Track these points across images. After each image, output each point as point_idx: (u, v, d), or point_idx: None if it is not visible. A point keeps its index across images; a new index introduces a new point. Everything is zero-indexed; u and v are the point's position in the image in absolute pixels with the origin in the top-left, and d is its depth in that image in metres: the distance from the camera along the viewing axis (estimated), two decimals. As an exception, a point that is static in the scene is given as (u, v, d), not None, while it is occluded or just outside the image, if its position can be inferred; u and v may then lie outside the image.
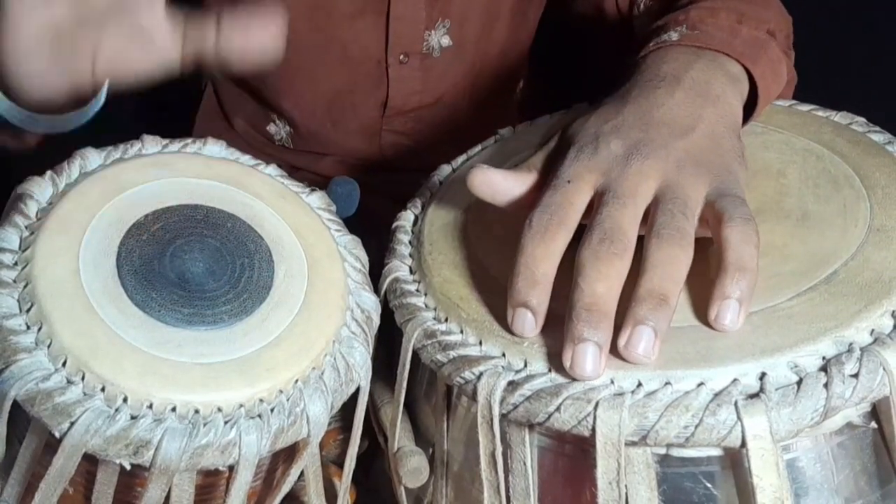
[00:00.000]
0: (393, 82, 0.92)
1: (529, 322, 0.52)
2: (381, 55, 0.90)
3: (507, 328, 0.53)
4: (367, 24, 0.89)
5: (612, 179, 0.54)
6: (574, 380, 0.49)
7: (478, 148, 0.71)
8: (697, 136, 0.56)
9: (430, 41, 0.90)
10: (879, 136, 0.63)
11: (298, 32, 0.89)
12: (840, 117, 0.65)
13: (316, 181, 0.93)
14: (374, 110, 0.94)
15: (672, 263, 0.50)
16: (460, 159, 0.70)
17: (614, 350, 0.49)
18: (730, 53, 0.62)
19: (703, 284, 0.53)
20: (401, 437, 0.60)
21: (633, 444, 0.48)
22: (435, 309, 0.57)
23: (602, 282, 0.50)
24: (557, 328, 0.51)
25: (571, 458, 0.52)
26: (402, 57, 0.90)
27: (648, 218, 0.53)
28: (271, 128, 0.98)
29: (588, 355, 0.49)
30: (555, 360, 0.51)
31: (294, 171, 0.97)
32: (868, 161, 0.60)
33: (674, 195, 0.53)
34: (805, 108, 0.67)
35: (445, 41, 0.91)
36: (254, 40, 0.58)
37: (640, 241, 0.52)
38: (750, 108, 0.63)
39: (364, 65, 0.91)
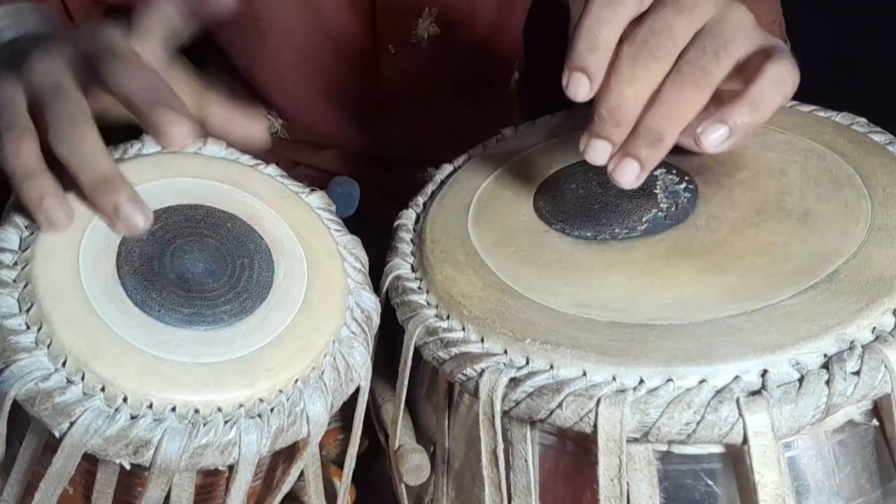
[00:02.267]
0: (385, 73, 0.92)
1: (584, 87, 0.52)
2: (371, 47, 0.91)
3: (510, 325, 0.53)
4: (355, 16, 0.89)
5: None
6: None
7: (479, 147, 0.71)
8: None
9: (418, 30, 0.90)
10: (880, 137, 0.63)
11: (289, 26, 0.89)
12: (841, 118, 0.65)
13: (316, 175, 0.93)
14: (368, 101, 0.94)
15: (679, 103, 0.51)
16: (461, 158, 0.70)
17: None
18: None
19: (706, 281, 0.53)
20: (402, 434, 0.60)
21: (635, 440, 0.48)
22: (437, 306, 0.57)
23: (632, 86, 0.51)
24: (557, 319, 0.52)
25: (573, 455, 0.52)
26: (391, 47, 0.91)
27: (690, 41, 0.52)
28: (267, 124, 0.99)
29: (600, 150, 0.52)
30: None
31: (294, 166, 0.98)
32: (869, 161, 0.60)
33: (720, 30, 0.52)
34: (806, 108, 0.67)
35: (433, 29, 0.91)
36: (238, 131, 0.60)
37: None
38: None
39: (355, 56, 0.91)
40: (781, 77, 0.51)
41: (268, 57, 0.94)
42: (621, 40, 0.52)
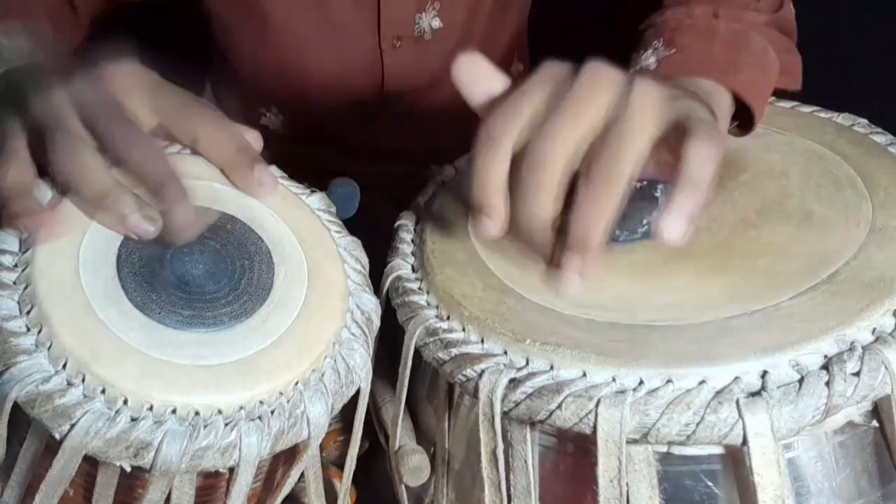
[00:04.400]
0: (388, 67, 0.92)
1: (491, 226, 0.53)
2: (374, 40, 0.91)
3: (510, 326, 0.53)
4: (358, 10, 0.89)
5: (565, 87, 0.53)
6: None
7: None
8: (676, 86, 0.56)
9: (421, 24, 0.91)
10: (881, 138, 0.63)
11: (292, 21, 0.90)
12: (842, 119, 0.65)
13: (317, 171, 0.93)
14: (371, 96, 0.94)
15: (596, 205, 0.51)
16: (463, 159, 0.70)
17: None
18: (709, 75, 0.63)
19: (706, 283, 0.53)
20: (402, 435, 0.60)
21: (635, 441, 0.48)
22: (437, 307, 0.57)
23: (539, 210, 0.52)
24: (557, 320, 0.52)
25: (573, 456, 0.52)
26: (395, 41, 0.91)
27: (591, 144, 0.52)
28: (264, 120, 0.99)
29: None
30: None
31: (295, 161, 0.98)
32: (870, 162, 0.60)
33: (620, 125, 0.51)
34: (807, 109, 0.67)
35: (436, 23, 0.91)
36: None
37: None
38: (747, 112, 0.64)
39: (358, 51, 0.91)
40: (706, 150, 0.51)
41: (270, 52, 0.94)
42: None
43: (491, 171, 0.53)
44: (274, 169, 0.63)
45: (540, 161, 0.52)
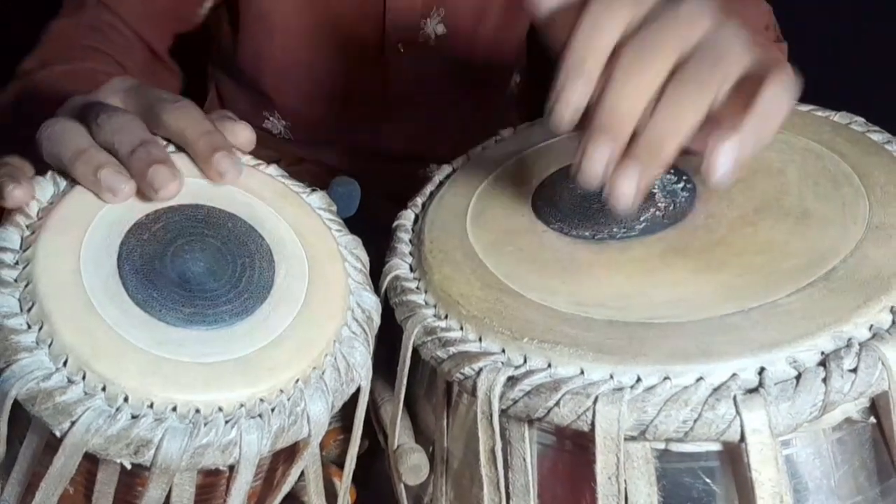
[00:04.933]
0: (392, 71, 0.92)
1: (568, 115, 0.51)
2: (378, 45, 0.91)
3: (508, 324, 0.53)
4: (364, 15, 0.90)
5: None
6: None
7: (478, 148, 0.71)
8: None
9: (425, 29, 0.91)
10: (878, 136, 0.63)
11: (297, 25, 0.90)
12: (839, 117, 0.65)
13: (320, 172, 0.94)
14: (374, 99, 0.95)
15: (678, 114, 0.49)
16: (460, 159, 0.70)
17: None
18: None
19: (704, 280, 0.53)
20: (401, 434, 0.60)
21: (633, 438, 0.48)
22: (435, 306, 0.57)
23: (627, 100, 0.49)
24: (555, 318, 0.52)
25: (571, 454, 0.52)
26: (399, 46, 0.91)
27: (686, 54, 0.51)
28: (267, 124, 0.99)
29: (596, 165, 0.50)
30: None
31: (298, 163, 0.98)
32: (867, 160, 0.60)
33: (715, 45, 0.51)
34: (804, 108, 0.67)
35: (440, 29, 0.91)
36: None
37: None
38: None
39: (362, 55, 0.92)
40: (781, 92, 0.50)
41: (275, 56, 0.94)
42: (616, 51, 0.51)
43: (593, 54, 0.50)
44: (275, 168, 0.63)
45: (658, 42, 0.50)
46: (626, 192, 0.50)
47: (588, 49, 0.50)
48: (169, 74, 0.92)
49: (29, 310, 0.50)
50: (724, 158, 0.49)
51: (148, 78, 0.84)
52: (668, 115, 0.49)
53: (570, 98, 0.50)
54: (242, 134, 0.60)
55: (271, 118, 0.99)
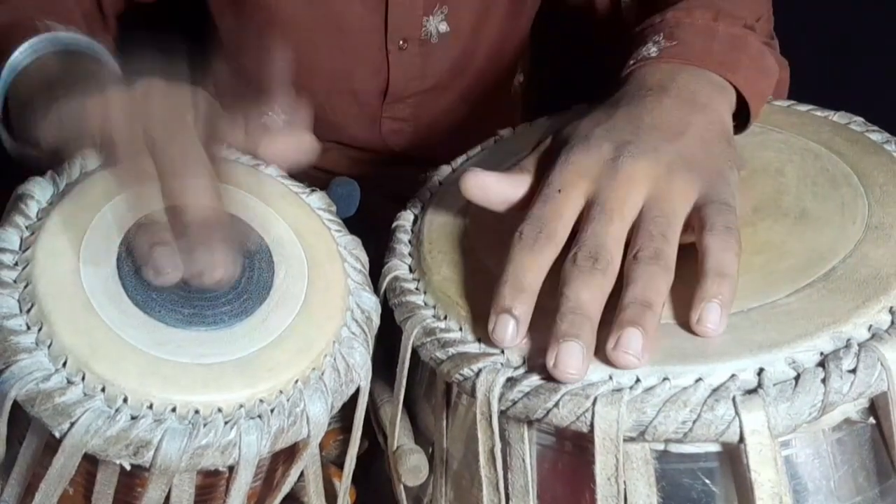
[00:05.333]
0: (393, 68, 0.92)
1: (511, 329, 0.52)
2: (380, 41, 0.91)
3: None
4: (366, 11, 0.89)
5: (602, 188, 0.54)
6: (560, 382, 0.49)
7: (477, 149, 0.71)
8: (688, 140, 0.57)
9: (428, 27, 0.91)
10: (877, 136, 0.63)
11: (299, 22, 0.90)
12: (838, 117, 0.65)
13: (317, 173, 0.93)
14: (374, 97, 0.95)
15: (651, 279, 0.51)
16: (460, 160, 0.70)
17: (603, 355, 0.50)
18: (709, 67, 0.63)
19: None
20: (400, 435, 0.60)
21: (632, 439, 0.48)
22: (434, 307, 0.57)
23: (586, 291, 0.51)
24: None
25: (570, 455, 0.52)
26: (401, 43, 0.91)
27: (631, 235, 0.53)
28: (266, 120, 0.99)
29: (573, 354, 0.49)
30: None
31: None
32: (866, 160, 0.60)
33: (659, 211, 0.53)
34: (803, 108, 0.67)
35: (443, 27, 0.91)
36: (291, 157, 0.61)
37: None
38: (745, 111, 0.64)
39: (364, 51, 0.92)
40: (725, 242, 0.52)
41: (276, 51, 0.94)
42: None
43: (531, 272, 0.53)
44: (274, 168, 0.63)
45: (601, 247, 0.52)
46: (635, 350, 0.49)
47: (524, 270, 0.53)
48: (104, 31, 0.90)
49: (28, 311, 0.50)
50: (716, 316, 0.50)
51: (88, 24, 0.82)
52: (641, 279, 0.51)
53: (514, 308, 0.52)
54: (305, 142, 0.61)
55: (271, 113, 0.99)
